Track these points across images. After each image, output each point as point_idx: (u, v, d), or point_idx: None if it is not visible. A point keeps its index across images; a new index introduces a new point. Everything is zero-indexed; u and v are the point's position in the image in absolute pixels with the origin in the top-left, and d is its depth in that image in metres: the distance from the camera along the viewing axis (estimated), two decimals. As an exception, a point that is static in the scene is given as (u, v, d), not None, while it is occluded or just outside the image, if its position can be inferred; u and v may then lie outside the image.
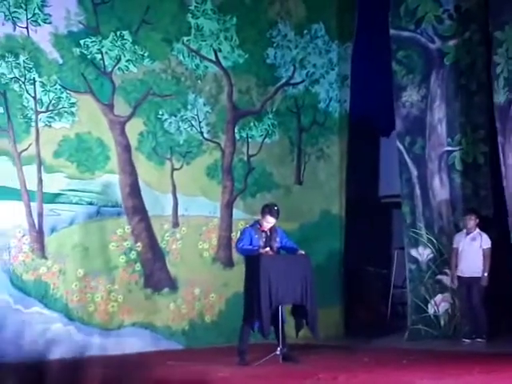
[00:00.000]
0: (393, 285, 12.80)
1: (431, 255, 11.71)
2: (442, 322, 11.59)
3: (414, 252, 11.77)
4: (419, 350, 10.39)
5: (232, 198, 11.69)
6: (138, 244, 10.82)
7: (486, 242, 11.25)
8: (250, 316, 9.17)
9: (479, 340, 11.00)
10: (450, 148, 11.74)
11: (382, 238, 12.10)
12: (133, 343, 10.49)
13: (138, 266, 10.79)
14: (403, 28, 11.87)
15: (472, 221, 11.30)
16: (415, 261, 11.74)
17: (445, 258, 11.63)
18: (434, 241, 11.69)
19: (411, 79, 11.85)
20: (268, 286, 9.01)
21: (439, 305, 11.61)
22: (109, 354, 10.10)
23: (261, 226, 9.39)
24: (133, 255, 10.76)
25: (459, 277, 11.33)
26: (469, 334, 11.18)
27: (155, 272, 10.95)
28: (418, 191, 11.79)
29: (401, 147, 11.85)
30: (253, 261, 9.19)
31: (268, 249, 9.24)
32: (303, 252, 9.42)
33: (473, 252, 11.24)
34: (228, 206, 11.64)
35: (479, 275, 11.16)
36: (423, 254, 11.72)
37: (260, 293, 8.97)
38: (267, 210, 9.41)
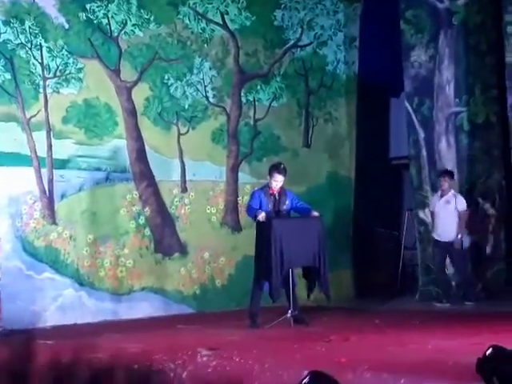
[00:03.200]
0: (403, 246, 12.86)
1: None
2: (453, 283, 11.68)
3: (421, 214, 11.83)
4: (430, 311, 10.52)
5: (237, 163, 11.74)
6: (147, 209, 10.92)
7: (461, 203, 11.07)
8: (261, 278, 9.30)
9: (468, 303, 10.94)
10: (457, 109, 11.76)
11: (393, 199, 12.15)
12: (144, 308, 10.65)
13: (147, 232, 10.90)
14: (412, -14, 11.86)
15: (446, 182, 11.10)
16: (423, 223, 11.80)
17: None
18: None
19: (420, 39, 11.84)
20: (279, 250, 9.09)
21: (448, 266, 11.68)
22: (121, 318, 10.26)
23: (270, 188, 9.46)
24: (141, 220, 10.87)
25: (437, 241, 11.26)
26: (439, 297, 11.18)
27: (165, 237, 11.07)
28: (424, 153, 11.82)
29: (409, 108, 11.88)
30: (264, 225, 9.27)
31: (263, 214, 9.26)
32: (316, 213, 9.48)
33: (448, 215, 11.06)
34: (233, 171, 11.70)
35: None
36: (429, 216, 11.76)
37: (271, 257, 9.05)
38: (274, 168, 9.51)
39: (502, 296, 11.29)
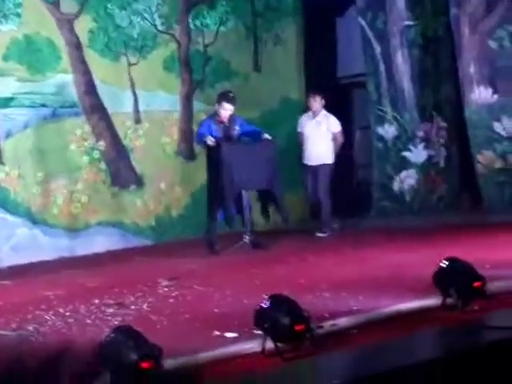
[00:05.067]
0: (356, 165, 12.83)
1: (396, 132, 11.71)
2: (408, 198, 11.70)
3: (380, 130, 11.76)
4: (386, 227, 10.49)
5: (191, 90, 11.54)
6: (101, 143, 10.72)
7: (334, 125, 10.38)
8: (214, 206, 9.20)
9: (320, 235, 10.09)
10: (410, 22, 11.63)
11: (343, 119, 11.96)
12: (101, 242, 10.50)
13: (102, 165, 10.72)
14: None
15: (316, 103, 10.28)
16: (381, 139, 11.75)
17: (408, 135, 11.68)
18: (399, 117, 11.70)
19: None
20: (230, 174, 8.96)
21: (404, 181, 11.69)
22: (77, 254, 10.11)
23: (219, 116, 9.31)
24: (96, 154, 10.68)
25: (305, 165, 10.39)
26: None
27: (121, 170, 10.90)
28: (382, 67, 11.74)
29: (363, 23, 11.75)
30: (214, 151, 9.13)
31: (212, 138, 9.09)
32: (268, 136, 9.36)
33: (319, 137, 10.22)
34: (187, 99, 11.50)
35: (327, 162, 10.23)
36: (388, 131, 11.71)
37: (223, 181, 8.94)
38: (223, 97, 9.36)
39: (459, 207, 11.34)
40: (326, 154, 10.30)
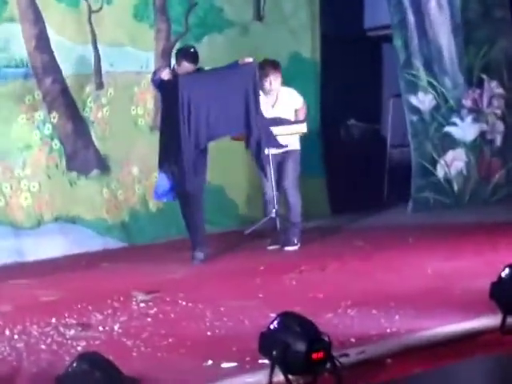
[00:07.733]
0: (389, 144, 12.88)
1: (434, 102, 11.78)
2: (456, 187, 11.77)
3: (413, 99, 11.83)
4: (428, 224, 10.59)
5: (169, 45, 11.57)
6: (54, 114, 10.77)
7: (296, 100, 10.20)
8: (165, 162, 9.23)
9: (289, 249, 9.64)
10: None
11: (371, 83, 12.04)
12: (58, 243, 10.56)
13: (55, 144, 10.78)
14: None
15: (275, 81, 9.94)
16: (416, 111, 11.81)
17: (451, 104, 11.75)
18: (436, 83, 11.76)
19: None
20: (191, 118, 8.89)
21: (451, 165, 11.74)
22: (28, 260, 10.20)
23: None
24: (48, 130, 10.73)
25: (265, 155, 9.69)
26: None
27: (79, 150, 10.95)
28: (411, 18, 11.76)
29: (388, -37, 11.82)
30: (168, 87, 9.01)
31: (167, 70, 9.10)
32: (249, 59, 9.31)
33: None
34: (165, 56, 11.52)
35: (294, 148, 9.92)
36: (424, 101, 11.77)
37: (179, 129, 8.87)
38: (181, 53, 9.39)
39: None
40: (293, 138, 9.97)
